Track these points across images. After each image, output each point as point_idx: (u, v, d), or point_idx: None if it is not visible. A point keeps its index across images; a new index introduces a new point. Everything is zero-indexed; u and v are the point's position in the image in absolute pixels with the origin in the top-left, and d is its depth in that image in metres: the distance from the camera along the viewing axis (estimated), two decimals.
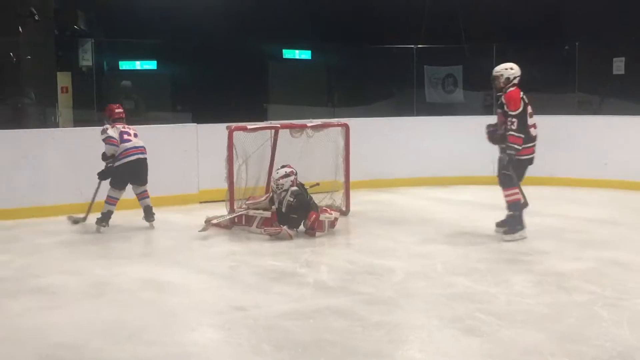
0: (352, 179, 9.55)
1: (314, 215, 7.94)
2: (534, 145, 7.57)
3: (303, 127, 9.21)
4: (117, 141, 8.33)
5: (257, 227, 8.15)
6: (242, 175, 8.73)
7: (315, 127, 9.26)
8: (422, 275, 6.36)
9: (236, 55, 14.05)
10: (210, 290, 6.10)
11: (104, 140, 8.36)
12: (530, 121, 7.53)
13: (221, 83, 13.72)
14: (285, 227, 7.81)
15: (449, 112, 13.83)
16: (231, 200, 8.50)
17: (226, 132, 8.54)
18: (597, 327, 4.96)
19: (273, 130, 9.24)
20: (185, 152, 10.28)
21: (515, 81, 7.63)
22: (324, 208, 8.35)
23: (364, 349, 4.60)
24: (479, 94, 14.33)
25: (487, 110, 13.12)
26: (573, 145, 11.29)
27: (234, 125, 8.64)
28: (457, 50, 14.74)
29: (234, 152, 8.55)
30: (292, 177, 8.10)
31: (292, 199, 7.98)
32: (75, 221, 8.56)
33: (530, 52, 13.49)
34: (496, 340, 4.74)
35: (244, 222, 8.32)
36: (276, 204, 8.16)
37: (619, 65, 12.89)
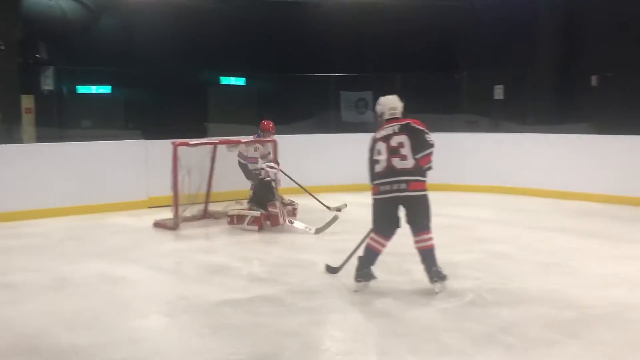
0: (280, 186, 9.54)
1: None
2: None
3: (238, 142, 9.18)
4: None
5: (247, 224, 8.30)
6: (185, 184, 8.63)
7: (248, 143, 9.24)
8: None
9: (181, 81, 13.94)
10: (158, 283, 6.03)
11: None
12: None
13: (167, 104, 13.57)
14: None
15: (361, 130, 13.93)
16: (176, 205, 8.40)
17: (171, 147, 8.45)
18: (483, 308, 5.09)
19: (212, 146, 9.18)
20: (135, 164, 10.13)
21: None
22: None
23: (291, 330, 4.61)
24: None
25: None
26: (462, 158, 11.55)
27: (178, 141, 8.57)
28: (367, 78, 14.97)
29: (179, 164, 8.46)
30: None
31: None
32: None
33: (427, 80, 13.83)
34: (401, 320, 4.81)
35: (235, 222, 8.42)
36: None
37: (499, 92, 13.27)
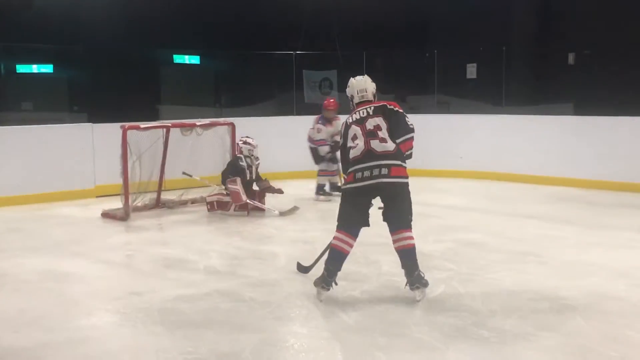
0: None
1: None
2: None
3: (192, 126, 9.11)
4: None
5: (234, 210, 8.53)
6: (136, 171, 8.55)
7: (204, 126, 9.18)
8: (302, 259, 6.39)
9: (130, 60, 13.74)
10: (107, 278, 5.98)
11: None
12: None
13: (116, 85, 13.37)
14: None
15: None
16: (126, 193, 8.34)
17: (120, 131, 8.36)
18: (455, 300, 5.15)
19: (165, 129, 9.11)
20: (81, 150, 10.01)
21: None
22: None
23: (251, 326, 4.62)
24: None
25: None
26: (432, 141, 11.63)
27: (127, 124, 8.48)
28: (332, 57, 14.95)
29: (128, 149, 8.37)
30: None
31: (259, 162, 8.87)
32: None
33: (396, 58, 13.87)
34: (368, 315, 4.84)
35: (216, 207, 8.66)
36: (248, 174, 8.69)
37: (471, 70, 13.35)
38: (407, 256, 5.17)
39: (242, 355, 4.12)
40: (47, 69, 14.43)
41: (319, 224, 7.99)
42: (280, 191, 8.93)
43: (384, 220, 5.21)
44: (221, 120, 9.99)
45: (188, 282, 5.69)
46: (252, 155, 8.83)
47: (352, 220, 5.21)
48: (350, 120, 5.30)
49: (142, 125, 8.73)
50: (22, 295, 5.41)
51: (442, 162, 11.82)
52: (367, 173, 5.06)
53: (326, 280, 5.15)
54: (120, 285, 5.72)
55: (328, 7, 15.36)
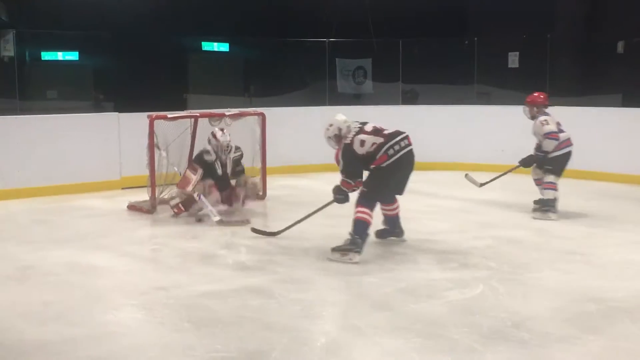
0: (268, 165, 9.55)
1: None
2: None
3: (221, 116, 9.11)
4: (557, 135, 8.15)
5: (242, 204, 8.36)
6: (162, 162, 8.61)
7: (233, 116, 9.18)
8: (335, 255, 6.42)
9: (157, 47, 13.84)
10: (133, 272, 6.03)
11: (546, 134, 8.11)
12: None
13: (143, 74, 13.48)
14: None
15: (359, 102, 13.97)
16: (152, 185, 8.40)
17: (147, 121, 8.42)
18: (494, 300, 5.11)
19: (193, 119, 9.15)
20: (107, 140, 10.10)
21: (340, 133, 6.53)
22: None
23: (280, 325, 4.62)
24: (387, 85, 14.49)
25: (394, 101, 13.28)
26: (471, 133, 11.55)
27: (154, 114, 8.54)
28: (367, 44, 14.88)
29: (155, 139, 8.43)
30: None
31: (239, 154, 8.57)
32: None
33: (433, 46, 13.75)
34: (403, 314, 4.83)
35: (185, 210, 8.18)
36: (219, 169, 8.22)
37: (513, 59, 13.20)
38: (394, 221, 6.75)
39: (272, 354, 4.13)
40: (73, 56, 14.58)
41: (350, 219, 7.97)
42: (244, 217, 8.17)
43: (400, 193, 6.58)
44: (251, 110, 9.99)
45: (216, 278, 5.73)
46: (221, 153, 8.27)
47: (390, 191, 6.56)
48: (352, 135, 6.40)
49: (170, 115, 8.78)
50: (47, 288, 5.48)
51: (481, 156, 11.70)
52: (397, 147, 6.27)
53: (360, 246, 6.14)
54: (146, 280, 5.78)
55: None
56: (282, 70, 14.68)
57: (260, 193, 9.27)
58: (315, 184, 10.10)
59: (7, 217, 8.25)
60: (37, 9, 14.27)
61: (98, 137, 10.09)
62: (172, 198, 8.34)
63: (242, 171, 8.81)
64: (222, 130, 8.41)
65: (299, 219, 6.84)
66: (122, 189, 9.89)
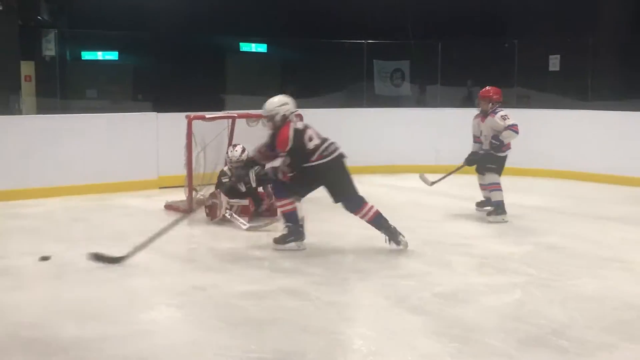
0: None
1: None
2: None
3: (258, 117, 9.12)
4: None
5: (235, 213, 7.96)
6: (200, 162, 8.67)
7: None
8: (370, 258, 6.42)
9: (195, 48, 13.97)
10: (170, 271, 6.08)
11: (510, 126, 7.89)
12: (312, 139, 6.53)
13: (181, 74, 13.63)
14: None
15: (397, 104, 13.93)
16: (189, 185, 8.45)
17: (185, 121, 8.48)
18: (532, 306, 5.06)
19: (230, 120, 9.21)
20: (145, 139, 10.20)
21: (290, 116, 6.64)
22: None
23: (316, 327, 4.63)
24: (425, 87, 14.45)
25: (431, 103, 13.24)
26: None
27: (193, 114, 8.60)
28: (405, 46, 14.85)
29: (193, 139, 8.49)
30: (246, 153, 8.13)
31: (257, 168, 8.10)
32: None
33: (472, 49, 13.66)
34: (440, 319, 4.79)
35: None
36: (242, 187, 8.05)
37: (554, 62, 13.06)
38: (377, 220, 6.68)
39: (308, 356, 4.14)
40: (113, 56, 14.79)
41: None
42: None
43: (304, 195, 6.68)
44: None
45: (252, 279, 5.75)
46: (234, 167, 8.11)
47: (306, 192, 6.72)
48: (301, 126, 6.59)
49: (208, 115, 8.84)
50: (86, 287, 5.54)
51: (519, 160, 11.51)
52: (332, 147, 6.52)
53: (299, 232, 6.62)
54: (182, 279, 5.82)
55: None
56: (319, 71, 14.69)
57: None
58: None
59: (46, 215, 8.38)
60: (77, 9, 14.50)
61: (136, 136, 10.19)
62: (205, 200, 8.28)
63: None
64: (233, 146, 8.41)
65: (144, 241, 6.20)
66: (160, 188, 9.98)
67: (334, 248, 6.78)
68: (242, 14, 14.53)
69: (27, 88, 12.99)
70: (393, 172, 11.24)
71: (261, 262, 6.35)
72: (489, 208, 8.09)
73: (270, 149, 6.71)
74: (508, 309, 4.99)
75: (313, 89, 14.61)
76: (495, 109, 8.00)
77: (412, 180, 10.45)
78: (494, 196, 7.95)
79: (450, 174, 8.53)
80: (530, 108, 12.76)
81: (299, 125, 6.60)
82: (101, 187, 9.65)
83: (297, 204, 6.62)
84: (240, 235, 7.36)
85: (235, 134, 9.19)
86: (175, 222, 6.58)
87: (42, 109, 12.34)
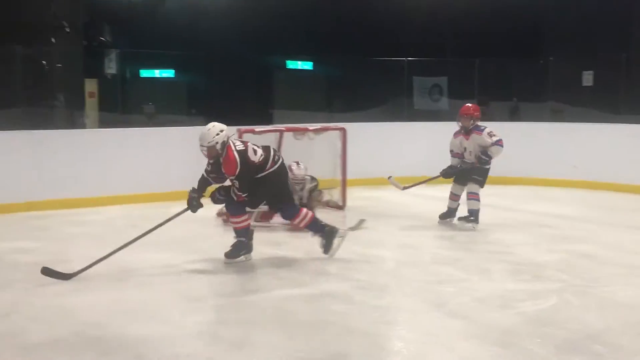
0: (348, 177, 9.54)
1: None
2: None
3: (305, 130, 9.18)
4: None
5: (255, 221, 7.89)
6: None
7: (316, 131, 9.23)
8: (410, 264, 6.38)
9: (245, 65, 14.10)
10: (223, 275, 6.11)
11: (497, 142, 7.76)
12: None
13: (232, 90, 13.75)
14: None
15: (435, 119, 13.85)
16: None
17: (236, 134, 8.53)
18: (568, 312, 4.97)
19: (278, 133, 9.24)
20: (198, 151, 10.25)
21: (228, 141, 6.32)
22: None
23: (360, 329, 4.61)
24: (463, 102, 14.36)
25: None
26: (544, 149, 11.31)
27: (243, 128, 8.65)
28: (443, 63, 14.79)
29: None
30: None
31: (314, 184, 8.44)
32: None
33: (508, 66, 13.54)
34: (477, 323, 4.74)
35: (260, 219, 8.11)
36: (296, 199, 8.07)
37: (587, 78, 12.88)
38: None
39: (352, 357, 4.13)
40: (169, 73, 15.00)
41: (425, 230, 7.92)
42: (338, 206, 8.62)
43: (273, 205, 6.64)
44: (332, 125, 10.02)
45: (300, 283, 5.75)
46: (296, 184, 8.20)
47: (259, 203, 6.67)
48: (242, 147, 6.30)
49: (257, 129, 8.88)
50: (145, 289, 5.61)
51: (554, 171, 11.43)
52: (277, 157, 6.36)
53: (248, 246, 6.44)
54: (234, 283, 5.85)
55: (439, 15, 15.22)
56: (362, 87, 14.69)
57: (340, 204, 9.28)
58: (391, 196, 10.05)
59: (107, 222, 8.49)
60: (137, 30, 14.74)
61: (191, 148, 10.23)
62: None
63: (316, 187, 8.77)
64: (297, 163, 8.43)
65: (100, 257, 5.97)
66: None
67: (376, 255, 6.74)
68: (289, 33, 14.64)
69: (91, 103, 13.23)
70: (431, 184, 11.14)
71: (307, 266, 6.34)
72: (450, 219, 8.03)
73: (215, 174, 6.52)
74: (544, 315, 4.90)
75: (356, 103, 14.61)
76: (476, 126, 7.87)
77: (445, 191, 10.39)
78: (472, 205, 7.82)
79: (424, 182, 8.49)
80: (563, 122, 12.58)
81: (238, 145, 6.30)
82: (159, 196, 9.72)
83: (250, 221, 6.58)
84: (286, 242, 7.37)
85: (282, 147, 9.21)
86: (138, 237, 6.36)
87: (104, 123, 12.54)
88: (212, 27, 14.53)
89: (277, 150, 6.42)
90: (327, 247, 6.47)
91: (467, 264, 6.35)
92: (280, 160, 6.40)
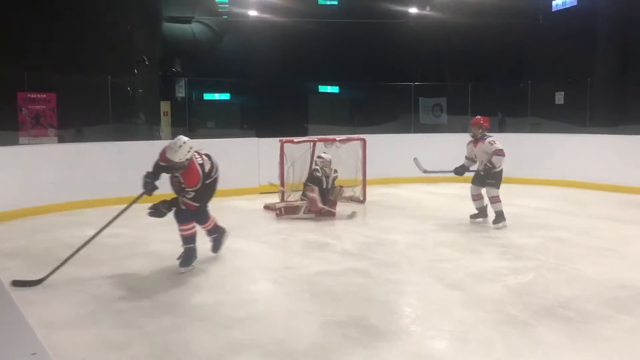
0: (367, 177, 9.54)
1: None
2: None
3: (333, 140, 9.20)
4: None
5: (304, 213, 7.98)
6: (289, 174, 8.75)
7: (342, 141, 9.25)
8: (417, 246, 6.35)
9: (286, 89, 14.15)
10: (267, 255, 6.16)
11: (495, 152, 7.29)
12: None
13: (275, 109, 13.81)
14: (324, 206, 7.92)
15: (437, 131, 13.78)
16: (282, 191, 8.55)
17: (279, 144, 8.58)
18: (543, 285, 4.92)
19: (312, 143, 9.26)
20: (249, 157, 10.36)
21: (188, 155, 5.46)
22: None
23: (377, 298, 4.62)
24: (459, 117, 14.27)
25: (464, 130, 13.01)
26: (526, 155, 11.17)
27: (284, 139, 8.70)
28: (443, 86, 14.71)
29: (285, 158, 8.59)
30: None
31: (336, 175, 8.34)
32: None
33: (496, 88, 13.43)
34: (471, 293, 4.71)
35: (284, 213, 8.04)
36: (325, 183, 8.17)
37: (559, 97, 12.76)
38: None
39: (371, 319, 4.13)
40: (226, 97, 15.12)
41: (430, 219, 7.87)
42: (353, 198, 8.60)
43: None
44: (355, 136, 10.02)
45: (329, 261, 5.76)
46: (325, 167, 8.21)
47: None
48: (201, 161, 5.60)
49: (295, 139, 8.93)
50: (207, 265, 5.66)
51: (534, 172, 11.30)
52: (214, 167, 5.75)
53: (195, 253, 5.57)
54: (277, 261, 5.88)
55: (440, 47, 15.12)
56: (378, 106, 14.68)
57: (362, 199, 9.27)
58: (403, 192, 10.02)
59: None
60: (201, 61, 14.86)
61: (243, 155, 10.35)
62: (277, 203, 8.38)
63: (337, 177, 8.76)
64: (324, 152, 8.52)
65: (62, 260, 5.23)
66: (260, 193, 10.10)
67: (390, 239, 6.72)
68: (321, 63, 14.66)
69: (165, 121, 13.36)
70: (432, 182, 11.09)
71: (334, 247, 6.34)
72: (480, 220, 7.61)
73: (169, 172, 5.60)
74: (525, 287, 4.85)
75: (374, 119, 14.60)
76: (484, 135, 7.49)
77: (447, 189, 10.33)
78: (495, 207, 7.36)
79: (440, 172, 7.96)
80: (541, 133, 12.43)
81: (198, 159, 5.57)
82: (217, 192, 9.74)
83: (197, 227, 5.75)
84: (318, 229, 7.37)
85: (315, 153, 9.22)
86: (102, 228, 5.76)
87: (175, 136, 12.65)
88: (260, 59, 14.61)
89: (212, 158, 5.84)
90: (216, 247, 5.99)
91: (463, 246, 6.30)
92: (217, 167, 5.78)
